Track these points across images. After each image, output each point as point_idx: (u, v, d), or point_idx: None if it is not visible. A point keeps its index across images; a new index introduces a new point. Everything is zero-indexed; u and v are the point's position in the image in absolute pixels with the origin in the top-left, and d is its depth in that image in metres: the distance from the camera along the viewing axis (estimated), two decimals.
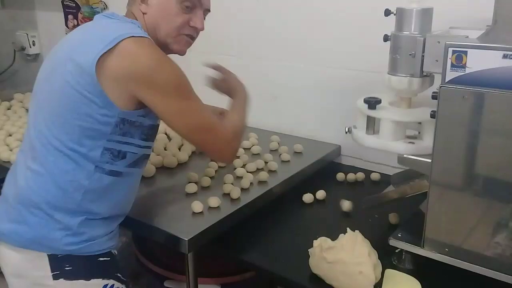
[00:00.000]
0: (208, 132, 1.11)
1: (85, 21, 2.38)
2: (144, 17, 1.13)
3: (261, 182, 1.42)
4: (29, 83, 2.68)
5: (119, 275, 1.14)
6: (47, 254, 1.06)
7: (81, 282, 1.08)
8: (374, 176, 1.59)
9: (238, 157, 1.53)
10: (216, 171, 1.49)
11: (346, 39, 1.65)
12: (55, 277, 1.06)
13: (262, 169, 1.50)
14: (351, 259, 1.04)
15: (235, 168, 1.49)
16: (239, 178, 1.43)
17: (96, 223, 1.10)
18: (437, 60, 1.06)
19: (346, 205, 1.38)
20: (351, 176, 1.58)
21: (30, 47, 2.70)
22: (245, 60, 1.88)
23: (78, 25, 2.44)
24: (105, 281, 1.10)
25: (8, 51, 2.74)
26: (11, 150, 1.67)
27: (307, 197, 1.45)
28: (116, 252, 1.18)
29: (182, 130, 1.10)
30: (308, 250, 1.12)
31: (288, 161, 1.58)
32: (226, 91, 1.32)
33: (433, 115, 1.02)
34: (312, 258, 1.10)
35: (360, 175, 1.59)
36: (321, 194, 1.45)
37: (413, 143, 1.15)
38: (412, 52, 1.11)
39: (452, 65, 0.95)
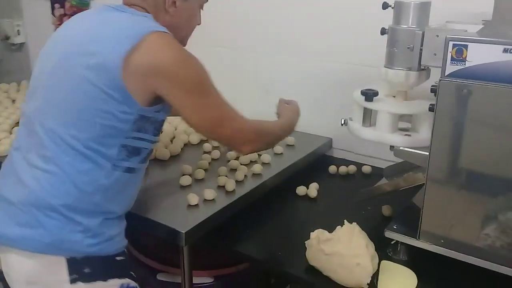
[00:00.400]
0: (225, 123, 1.09)
1: (73, 10, 2.34)
2: (165, 16, 1.11)
3: (255, 175, 1.42)
4: (13, 73, 2.63)
5: (132, 273, 1.12)
6: (66, 258, 1.02)
7: (100, 283, 1.05)
8: (366, 169, 1.60)
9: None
10: (209, 163, 1.48)
11: (338, 33, 1.65)
12: (73, 281, 1.02)
13: (255, 162, 1.50)
14: (348, 251, 1.04)
15: (229, 161, 1.48)
16: (233, 170, 1.43)
17: (113, 222, 1.08)
18: (435, 54, 1.06)
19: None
20: (343, 169, 1.59)
21: (15, 36, 2.64)
22: (238, 53, 1.87)
23: (65, 14, 2.39)
24: (122, 281, 1.08)
25: None
26: None
27: (301, 190, 1.45)
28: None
29: (197, 125, 1.09)
30: (305, 242, 1.12)
31: (281, 153, 1.58)
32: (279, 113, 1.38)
33: (431, 108, 1.03)
34: (309, 250, 1.10)
35: (352, 168, 1.60)
36: (314, 186, 1.46)
37: (409, 135, 1.16)
38: (410, 46, 1.11)
39: (452, 59, 0.96)
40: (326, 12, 1.67)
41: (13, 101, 2.10)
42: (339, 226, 1.11)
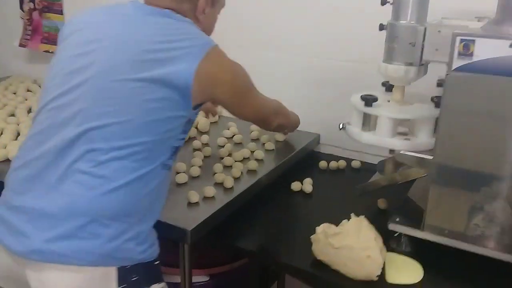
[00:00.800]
0: (271, 116, 1.35)
1: (44, 5, 2.24)
2: (196, 23, 1.14)
3: (251, 171, 1.41)
4: None
5: (163, 277, 1.09)
6: (117, 268, 0.97)
7: None
8: (355, 164, 1.62)
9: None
10: (202, 160, 1.46)
11: (327, 29, 1.66)
12: None
13: (248, 158, 1.49)
14: (358, 244, 1.05)
15: (222, 158, 1.47)
16: (228, 167, 1.41)
17: (153, 226, 1.06)
18: (437, 49, 1.09)
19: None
20: (333, 164, 1.60)
21: None
22: (225, 49, 1.84)
23: (35, 9, 2.28)
24: (160, 285, 1.06)
25: None
26: None
27: (296, 185, 1.45)
28: None
29: (252, 119, 1.35)
30: (311, 236, 1.12)
31: (273, 149, 1.57)
32: None
33: (437, 103, 1.05)
34: (316, 244, 1.10)
35: (342, 163, 1.62)
36: (309, 182, 1.46)
37: (408, 139, 1.18)
38: (412, 41, 1.13)
39: (459, 54, 0.98)
40: (312, 8, 1.67)
41: None
42: (345, 220, 1.12)
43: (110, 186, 0.96)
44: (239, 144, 1.59)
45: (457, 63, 0.99)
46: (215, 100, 1.17)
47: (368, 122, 1.23)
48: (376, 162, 1.57)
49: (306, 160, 1.64)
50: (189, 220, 1.14)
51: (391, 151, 1.21)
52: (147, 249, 1.02)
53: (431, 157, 1.10)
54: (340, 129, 1.30)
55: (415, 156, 1.16)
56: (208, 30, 1.21)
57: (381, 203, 1.36)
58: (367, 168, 1.58)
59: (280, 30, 1.75)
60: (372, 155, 1.62)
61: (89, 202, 0.95)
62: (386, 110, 1.19)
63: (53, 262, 0.94)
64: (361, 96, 1.21)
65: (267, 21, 1.77)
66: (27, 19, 2.32)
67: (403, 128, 1.24)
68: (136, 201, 0.99)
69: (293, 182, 1.46)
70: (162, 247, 1.08)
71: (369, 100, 1.19)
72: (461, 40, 0.98)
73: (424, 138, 1.18)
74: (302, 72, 1.74)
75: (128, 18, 1.08)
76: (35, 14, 2.31)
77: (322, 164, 1.61)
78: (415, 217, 1.15)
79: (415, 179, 1.28)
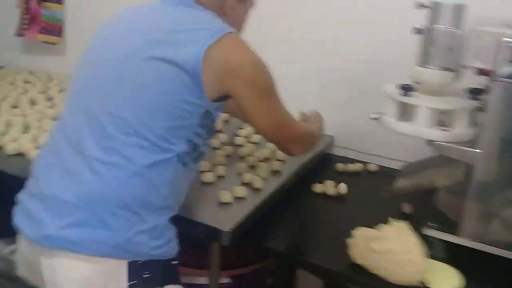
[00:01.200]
0: (287, 125, 1.12)
1: None
2: (224, 18, 1.09)
3: (274, 171, 1.39)
4: None
5: (180, 279, 1.05)
6: (128, 261, 0.94)
7: None
8: (372, 167, 1.62)
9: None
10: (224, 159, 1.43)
11: (342, 30, 1.65)
12: (131, 287, 0.94)
13: (269, 158, 1.47)
14: (400, 248, 1.04)
15: (243, 157, 1.44)
16: (252, 167, 1.39)
17: (171, 222, 1.02)
18: (477, 55, 1.09)
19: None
20: (351, 167, 1.60)
21: None
22: None
23: None
24: (175, 287, 1.02)
25: None
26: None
27: (318, 187, 1.43)
28: None
29: (265, 127, 1.09)
30: (347, 240, 1.11)
31: None
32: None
33: (481, 109, 1.06)
34: (355, 248, 1.09)
35: (359, 166, 1.61)
36: (330, 184, 1.45)
37: (448, 130, 1.17)
38: (451, 46, 1.13)
39: (510, 61, 0.99)
40: (326, 8, 1.67)
41: None
42: (384, 224, 1.11)
43: (123, 173, 0.94)
44: (257, 144, 1.57)
45: (504, 70, 0.99)
46: (235, 97, 1.03)
47: (405, 111, 1.22)
48: (391, 166, 1.59)
49: (322, 162, 1.63)
50: (223, 220, 1.11)
51: (429, 141, 1.20)
52: (162, 245, 0.99)
53: (474, 150, 1.09)
54: (374, 119, 1.28)
55: (458, 148, 1.14)
56: (235, 26, 1.15)
57: (406, 207, 1.36)
58: (384, 172, 1.59)
59: (294, 29, 1.74)
60: (388, 158, 1.63)
61: (102, 189, 0.94)
62: (426, 100, 1.18)
63: (64, 249, 0.93)
64: (400, 85, 1.20)
65: (280, 19, 1.75)
66: (25, 8, 2.23)
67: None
68: (150, 190, 0.97)
69: (314, 183, 1.45)
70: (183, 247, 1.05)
71: (407, 89, 1.18)
72: (510, 47, 0.98)
73: (461, 129, 1.17)
74: (315, 73, 1.73)
75: (150, 9, 1.10)
76: (33, 3, 2.22)
77: (340, 166, 1.60)
78: (447, 223, 1.15)
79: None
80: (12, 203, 1.05)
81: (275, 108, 1.08)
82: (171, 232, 1.02)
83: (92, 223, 0.93)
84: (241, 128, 1.66)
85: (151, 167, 0.96)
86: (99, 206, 0.93)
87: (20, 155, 1.39)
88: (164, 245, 0.99)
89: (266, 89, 1.05)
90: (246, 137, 1.61)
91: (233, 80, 1.00)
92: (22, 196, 1.05)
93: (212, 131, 1.11)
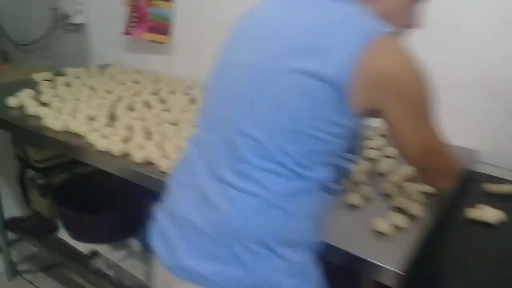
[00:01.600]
0: (438, 155, 0.97)
1: None
2: (370, 5, 0.90)
3: (426, 194, 1.21)
4: (65, 56, 2.43)
5: None
6: None
7: None
8: None
9: None
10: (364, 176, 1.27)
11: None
12: None
13: (415, 177, 1.29)
14: None
15: (383, 174, 1.28)
16: (399, 187, 1.22)
17: (313, 257, 0.90)
18: None
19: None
20: (506, 188, 1.38)
21: (76, 15, 2.40)
22: None
23: None
24: None
25: (43, 15, 2.46)
26: (106, 138, 1.40)
27: (473, 213, 1.24)
28: None
29: (413, 150, 0.93)
30: None
31: None
32: None
33: None
34: None
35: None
36: (488, 209, 1.25)
37: None
38: None
39: None
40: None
41: (92, 88, 1.87)
42: None
43: (259, 203, 0.84)
44: (393, 159, 1.40)
45: None
46: (383, 111, 0.87)
47: None
48: None
49: (465, 181, 1.43)
50: (389, 257, 0.95)
51: None
52: (298, 285, 0.87)
53: None
54: None
55: None
56: (395, 22, 0.92)
57: None
58: None
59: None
60: None
61: (238, 221, 0.85)
62: None
63: (198, 283, 0.87)
64: None
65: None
66: (132, 6, 2.18)
67: None
68: (289, 223, 0.86)
69: (462, 207, 1.25)
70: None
71: None
72: None
73: None
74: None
75: (284, 5, 0.92)
76: (141, 1, 2.16)
77: (491, 187, 1.39)
78: None
79: None
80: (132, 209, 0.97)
81: (429, 129, 0.92)
82: (312, 270, 0.90)
83: (226, 257, 0.84)
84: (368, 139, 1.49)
85: (288, 198, 0.85)
86: (235, 240, 0.84)
87: (150, 164, 1.30)
88: (299, 284, 0.87)
89: (421, 105, 0.89)
90: (377, 149, 1.44)
91: (385, 94, 0.84)
92: (159, 215, 0.98)
93: (358, 151, 0.97)
